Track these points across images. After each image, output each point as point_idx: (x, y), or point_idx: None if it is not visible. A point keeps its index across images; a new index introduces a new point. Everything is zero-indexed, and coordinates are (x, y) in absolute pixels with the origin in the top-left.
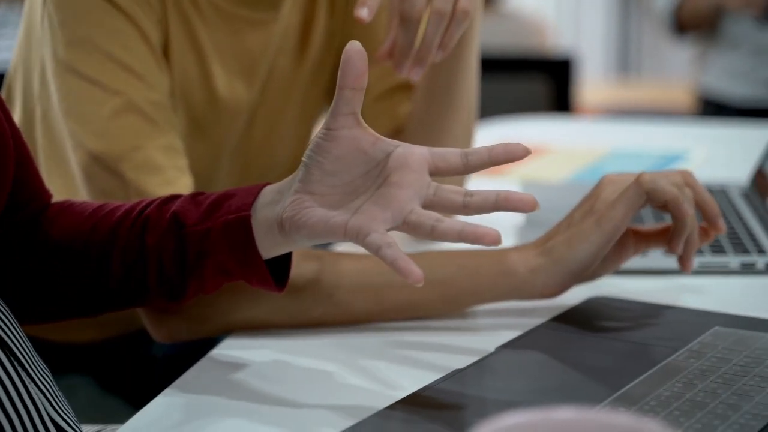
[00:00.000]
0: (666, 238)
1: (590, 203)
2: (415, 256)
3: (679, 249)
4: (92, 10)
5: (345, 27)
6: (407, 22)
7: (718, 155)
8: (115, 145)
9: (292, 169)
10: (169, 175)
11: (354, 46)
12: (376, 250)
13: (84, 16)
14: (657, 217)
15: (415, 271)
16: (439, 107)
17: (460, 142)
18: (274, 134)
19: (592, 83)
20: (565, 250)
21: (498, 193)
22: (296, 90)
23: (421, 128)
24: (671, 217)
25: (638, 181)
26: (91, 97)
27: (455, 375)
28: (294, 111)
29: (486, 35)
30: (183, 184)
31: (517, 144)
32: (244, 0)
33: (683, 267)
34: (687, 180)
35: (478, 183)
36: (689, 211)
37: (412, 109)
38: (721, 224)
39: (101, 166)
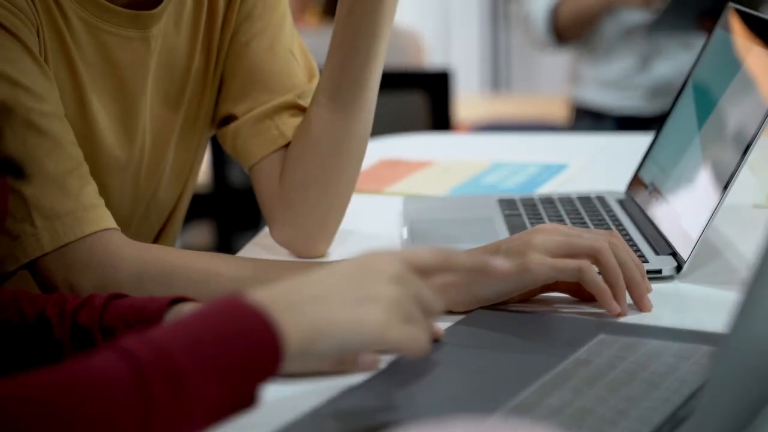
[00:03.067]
0: (573, 287)
1: (520, 243)
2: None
3: (619, 308)
4: None
5: (218, 62)
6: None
7: (597, 165)
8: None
9: (180, 180)
10: (70, 185)
11: None
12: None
13: None
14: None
15: None
16: (344, 113)
17: (355, 157)
18: (162, 148)
19: (465, 99)
20: (480, 276)
21: None
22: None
23: (325, 139)
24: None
25: (581, 268)
26: None
27: (350, 391)
28: (180, 122)
29: None
30: (85, 193)
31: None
32: (112, 18)
33: (640, 308)
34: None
35: (360, 200)
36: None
37: (312, 119)
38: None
39: None
